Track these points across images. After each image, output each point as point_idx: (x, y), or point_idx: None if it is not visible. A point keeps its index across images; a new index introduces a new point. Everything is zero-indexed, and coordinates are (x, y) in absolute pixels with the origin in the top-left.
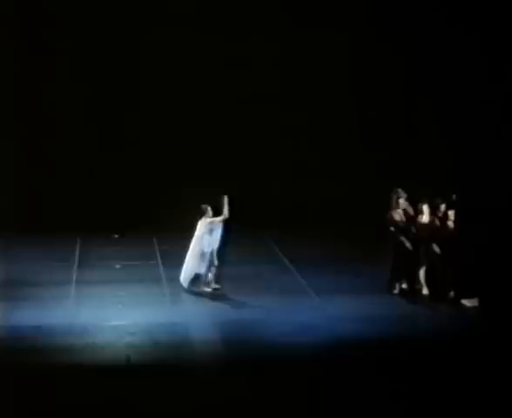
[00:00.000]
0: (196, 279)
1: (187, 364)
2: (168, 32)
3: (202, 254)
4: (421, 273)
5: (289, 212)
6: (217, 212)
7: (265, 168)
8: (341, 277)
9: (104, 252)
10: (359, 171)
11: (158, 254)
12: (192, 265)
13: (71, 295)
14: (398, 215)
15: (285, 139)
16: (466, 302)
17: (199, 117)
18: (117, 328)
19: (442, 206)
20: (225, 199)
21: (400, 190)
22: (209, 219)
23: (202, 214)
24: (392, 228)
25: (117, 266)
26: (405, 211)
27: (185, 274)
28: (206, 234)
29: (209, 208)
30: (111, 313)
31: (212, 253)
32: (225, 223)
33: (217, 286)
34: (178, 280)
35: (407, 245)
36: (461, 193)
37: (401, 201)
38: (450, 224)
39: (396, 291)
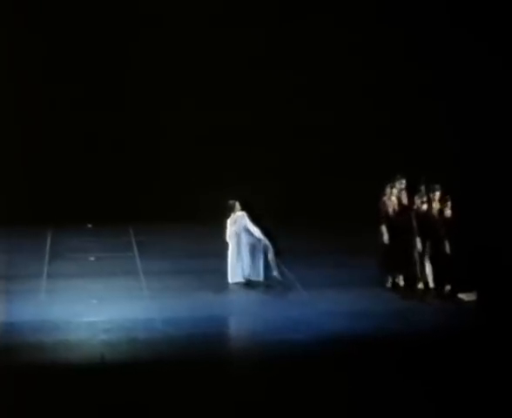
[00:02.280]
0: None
1: (166, 362)
2: (176, 29)
3: (253, 246)
4: (417, 265)
5: (275, 204)
6: (246, 206)
7: (255, 162)
8: (330, 270)
9: (77, 243)
10: (349, 161)
11: (134, 245)
12: (247, 261)
13: (43, 289)
14: (391, 204)
15: (278, 134)
16: (463, 296)
17: (178, 108)
18: (92, 325)
19: (438, 195)
20: (265, 240)
21: (399, 178)
22: (241, 213)
23: (230, 210)
24: (381, 217)
25: (92, 259)
26: (400, 200)
27: (243, 272)
28: (244, 229)
29: (237, 203)
30: (84, 308)
31: (260, 242)
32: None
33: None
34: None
35: (385, 237)
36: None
37: (395, 191)
38: (448, 213)
39: (389, 284)
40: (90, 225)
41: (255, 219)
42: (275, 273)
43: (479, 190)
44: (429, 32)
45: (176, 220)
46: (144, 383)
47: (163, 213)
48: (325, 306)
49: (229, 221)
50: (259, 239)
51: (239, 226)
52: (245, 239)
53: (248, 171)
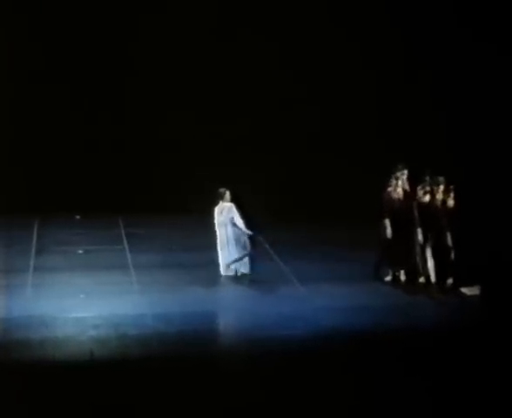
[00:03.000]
0: (236, 263)
1: (157, 359)
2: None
3: (238, 239)
4: (418, 258)
5: (275, 198)
6: (236, 196)
7: (253, 155)
8: (329, 264)
9: (65, 235)
10: (346, 151)
11: (124, 238)
12: (229, 252)
13: (29, 284)
14: (396, 195)
15: (270, 121)
16: (466, 291)
17: (167, 94)
18: (80, 321)
19: (442, 187)
20: (248, 232)
21: (400, 168)
22: (230, 204)
23: (220, 198)
24: (384, 210)
25: (80, 252)
26: (405, 192)
27: (225, 261)
28: (230, 221)
29: (228, 192)
30: (72, 303)
31: (243, 236)
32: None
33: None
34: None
35: (388, 231)
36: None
37: (400, 182)
38: (450, 203)
39: (389, 278)
40: (78, 217)
41: (243, 211)
42: (232, 266)
43: (482, 182)
44: (431, 29)
45: (167, 212)
46: (134, 380)
47: (154, 205)
48: (323, 301)
49: (216, 209)
50: (244, 233)
51: (225, 218)
52: (230, 231)
53: (247, 164)
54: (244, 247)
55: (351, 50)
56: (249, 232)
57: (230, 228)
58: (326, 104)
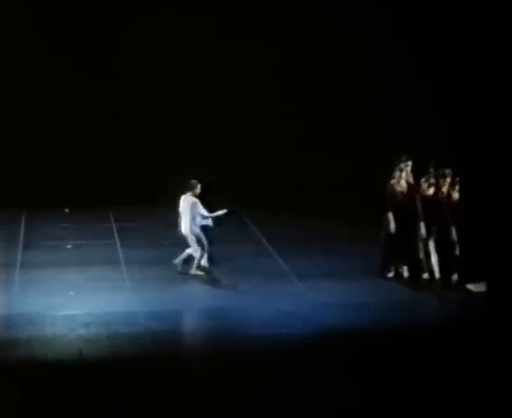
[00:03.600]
0: (188, 261)
1: (149, 358)
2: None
3: (194, 234)
4: (421, 254)
5: (268, 187)
6: (206, 190)
7: (252, 150)
8: (329, 260)
9: (54, 229)
10: (348, 142)
11: (115, 232)
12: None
13: (16, 280)
14: (400, 188)
15: (268, 113)
16: (471, 287)
17: (157, 90)
18: (69, 318)
19: (448, 180)
20: (222, 212)
21: (404, 159)
22: (194, 200)
23: (190, 189)
24: (388, 204)
25: (69, 246)
26: (409, 184)
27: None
28: (188, 216)
29: (199, 185)
30: (61, 300)
31: (197, 235)
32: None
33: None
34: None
35: (392, 225)
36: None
37: (404, 174)
38: (455, 195)
39: (391, 274)
40: (67, 210)
41: (208, 207)
42: (200, 271)
43: (488, 176)
44: (434, 26)
45: (160, 205)
46: (125, 380)
47: (146, 197)
48: (322, 297)
49: (182, 199)
50: (196, 232)
51: (188, 211)
52: (189, 226)
53: (245, 160)
54: (198, 243)
55: (351, 49)
56: (224, 212)
57: (189, 222)
58: (326, 102)
